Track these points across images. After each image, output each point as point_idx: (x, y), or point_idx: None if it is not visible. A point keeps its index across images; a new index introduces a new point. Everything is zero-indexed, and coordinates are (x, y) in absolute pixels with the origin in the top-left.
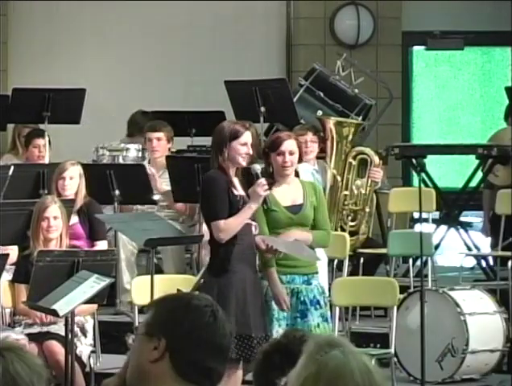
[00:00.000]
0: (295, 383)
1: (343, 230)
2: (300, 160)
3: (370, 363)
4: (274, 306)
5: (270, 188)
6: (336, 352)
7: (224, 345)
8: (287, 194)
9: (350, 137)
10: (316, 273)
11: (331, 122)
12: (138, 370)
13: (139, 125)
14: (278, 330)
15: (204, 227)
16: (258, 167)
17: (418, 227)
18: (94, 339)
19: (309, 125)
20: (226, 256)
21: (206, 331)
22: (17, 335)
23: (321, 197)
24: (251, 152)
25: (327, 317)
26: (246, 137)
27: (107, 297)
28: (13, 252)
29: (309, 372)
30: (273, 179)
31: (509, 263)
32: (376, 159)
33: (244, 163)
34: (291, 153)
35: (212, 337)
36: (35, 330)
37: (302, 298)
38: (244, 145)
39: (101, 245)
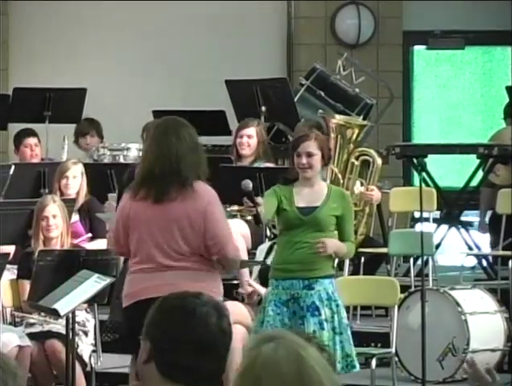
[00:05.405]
0: (234, 380)
1: None
2: (329, 161)
3: (305, 350)
4: (270, 312)
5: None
6: (268, 345)
7: (207, 343)
8: (306, 195)
9: (354, 136)
10: (326, 277)
11: (334, 121)
12: (139, 370)
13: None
14: None
15: None
16: (249, 183)
17: (419, 227)
18: (95, 339)
19: (313, 122)
20: None
21: (181, 331)
22: (18, 334)
23: (348, 206)
24: None
25: (334, 326)
26: None
27: (108, 297)
28: (10, 251)
29: (242, 369)
30: (296, 180)
31: (510, 262)
32: (379, 161)
33: None
34: (309, 155)
35: (191, 335)
36: (37, 329)
37: (301, 304)
38: None
39: (100, 244)
